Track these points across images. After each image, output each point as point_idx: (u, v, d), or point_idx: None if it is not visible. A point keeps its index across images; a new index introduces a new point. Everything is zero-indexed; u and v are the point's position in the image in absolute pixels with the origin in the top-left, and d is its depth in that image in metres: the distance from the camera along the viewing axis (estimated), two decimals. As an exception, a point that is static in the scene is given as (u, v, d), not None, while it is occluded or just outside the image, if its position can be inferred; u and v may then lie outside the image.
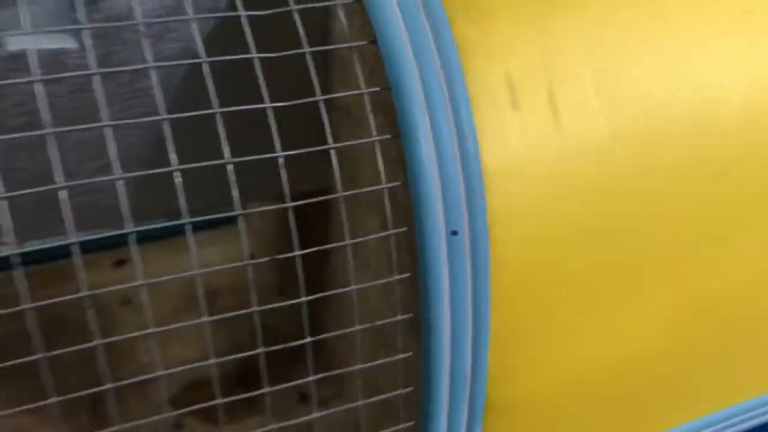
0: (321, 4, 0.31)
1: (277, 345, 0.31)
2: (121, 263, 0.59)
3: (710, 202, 0.36)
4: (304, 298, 0.31)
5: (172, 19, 0.32)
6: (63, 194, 0.26)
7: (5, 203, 0.26)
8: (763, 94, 0.36)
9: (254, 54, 0.28)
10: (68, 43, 0.34)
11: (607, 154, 0.32)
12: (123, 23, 0.30)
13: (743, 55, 0.36)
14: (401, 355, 0.34)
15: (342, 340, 0.34)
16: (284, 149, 0.29)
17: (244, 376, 0.37)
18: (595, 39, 0.33)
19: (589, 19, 0.33)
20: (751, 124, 0.36)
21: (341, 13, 0.31)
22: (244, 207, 0.29)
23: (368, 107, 0.30)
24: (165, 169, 0.27)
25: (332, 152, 0.30)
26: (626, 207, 0.33)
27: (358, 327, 0.32)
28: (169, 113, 0.27)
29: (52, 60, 0.34)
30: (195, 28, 0.27)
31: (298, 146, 0.29)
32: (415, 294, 0.32)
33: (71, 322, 0.30)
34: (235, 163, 0.28)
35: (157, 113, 0.27)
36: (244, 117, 0.28)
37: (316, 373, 0.33)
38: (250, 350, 0.32)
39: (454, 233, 0.30)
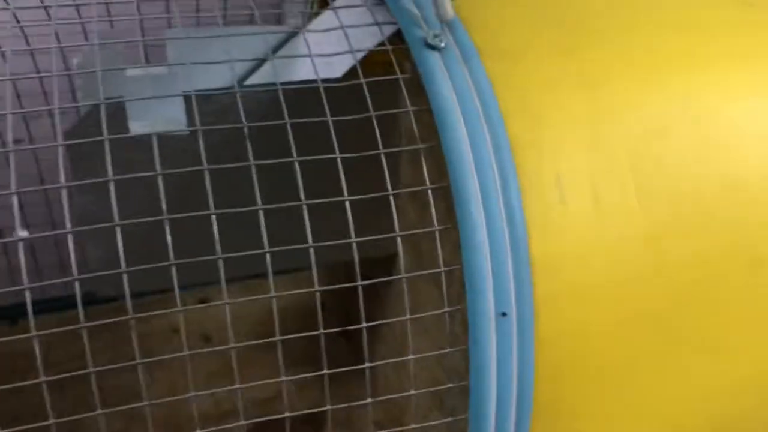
0: (394, 111, 0.36)
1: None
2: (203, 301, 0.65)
3: (747, 292, 0.38)
4: (367, 365, 0.35)
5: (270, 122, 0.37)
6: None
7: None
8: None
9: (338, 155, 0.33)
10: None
11: (644, 248, 0.36)
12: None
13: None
14: (451, 418, 0.37)
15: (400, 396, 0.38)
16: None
17: (311, 419, 0.42)
18: (636, 142, 0.36)
19: (629, 123, 0.36)
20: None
21: (412, 115, 0.36)
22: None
23: (431, 198, 0.35)
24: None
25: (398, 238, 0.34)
26: (662, 295, 0.36)
27: (413, 392, 0.36)
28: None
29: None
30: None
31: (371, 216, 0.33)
32: (467, 362, 0.36)
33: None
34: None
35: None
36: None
37: (375, 424, 0.37)
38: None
39: (503, 314, 0.34)
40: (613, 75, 0.37)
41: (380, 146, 0.34)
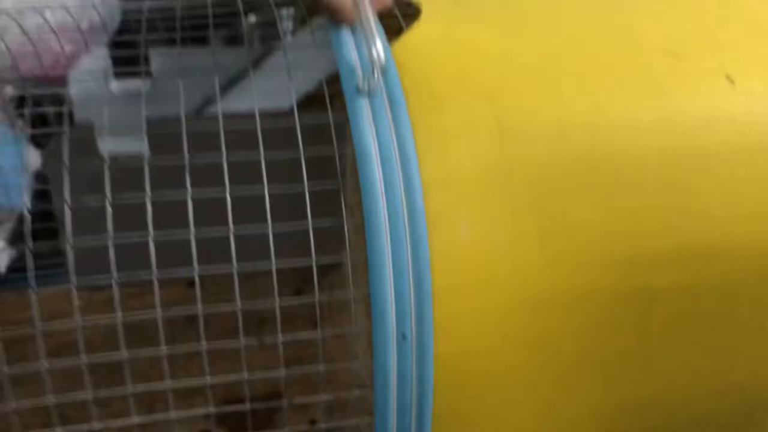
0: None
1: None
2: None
3: (637, 327, 0.42)
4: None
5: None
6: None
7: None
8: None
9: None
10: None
11: (540, 282, 0.40)
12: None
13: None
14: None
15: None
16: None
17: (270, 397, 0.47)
18: (542, 188, 0.40)
19: (535, 172, 0.40)
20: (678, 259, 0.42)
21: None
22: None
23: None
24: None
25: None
26: (553, 324, 0.41)
27: (323, 396, 0.41)
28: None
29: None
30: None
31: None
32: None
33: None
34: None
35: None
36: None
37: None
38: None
39: (404, 336, 0.38)
40: (528, 123, 0.41)
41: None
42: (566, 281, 0.40)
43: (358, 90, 0.40)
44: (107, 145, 0.44)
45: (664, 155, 0.42)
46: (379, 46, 0.40)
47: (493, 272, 0.40)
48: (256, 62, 0.51)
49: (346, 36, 0.42)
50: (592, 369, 0.43)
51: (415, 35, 0.44)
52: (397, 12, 0.46)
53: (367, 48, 0.40)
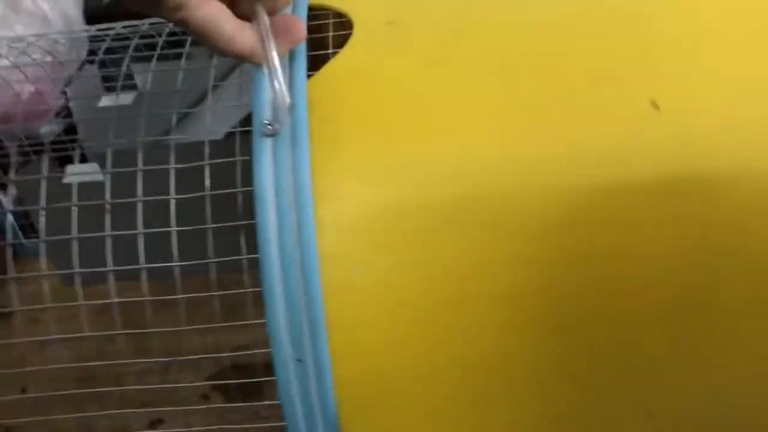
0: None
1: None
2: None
3: (546, 355, 0.43)
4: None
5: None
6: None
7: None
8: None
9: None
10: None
11: (425, 317, 0.42)
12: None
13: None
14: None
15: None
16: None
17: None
18: (429, 227, 0.42)
19: (419, 217, 0.41)
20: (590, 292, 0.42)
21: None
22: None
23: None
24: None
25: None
26: (443, 356, 0.43)
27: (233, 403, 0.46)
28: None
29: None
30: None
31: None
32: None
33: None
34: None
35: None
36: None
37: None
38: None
39: (299, 360, 0.42)
40: (427, 166, 0.42)
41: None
42: (455, 321, 0.42)
43: (263, 130, 0.43)
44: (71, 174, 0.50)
45: (575, 193, 0.42)
46: (283, 89, 0.42)
47: (380, 305, 0.42)
48: (226, 75, 0.54)
49: (261, 75, 0.44)
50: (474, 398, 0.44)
51: (335, 66, 0.46)
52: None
53: (271, 89, 0.42)
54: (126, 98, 0.56)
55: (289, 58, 0.46)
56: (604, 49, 0.45)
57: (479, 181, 0.42)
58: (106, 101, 0.57)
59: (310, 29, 0.49)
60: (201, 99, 0.57)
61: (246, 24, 0.42)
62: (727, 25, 0.45)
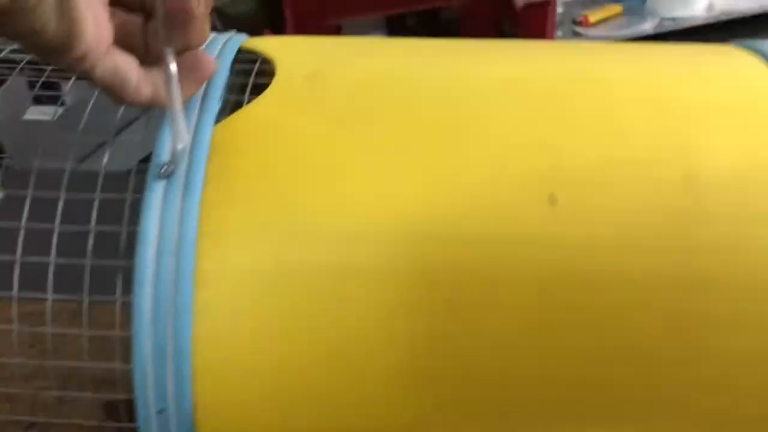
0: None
1: None
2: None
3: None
4: None
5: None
6: None
7: None
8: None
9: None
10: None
11: (297, 378, 0.41)
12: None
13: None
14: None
15: None
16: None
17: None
18: (304, 284, 0.41)
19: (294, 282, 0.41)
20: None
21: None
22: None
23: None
24: None
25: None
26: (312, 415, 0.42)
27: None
28: None
29: None
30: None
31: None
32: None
33: None
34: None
35: None
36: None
37: None
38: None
39: (162, 410, 0.41)
40: (312, 228, 0.42)
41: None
42: (325, 384, 0.42)
43: (158, 172, 0.42)
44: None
45: (456, 275, 0.42)
46: (182, 133, 0.42)
47: (253, 362, 0.41)
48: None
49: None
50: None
51: (245, 115, 0.45)
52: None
53: (172, 134, 0.42)
54: (50, 111, 0.56)
55: (201, 100, 0.46)
56: (515, 125, 0.45)
57: (356, 248, 0.41)
58: (31, 113, 0.56)
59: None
60: (129, 124, 0.56)
61: (152, 69, 0.41)
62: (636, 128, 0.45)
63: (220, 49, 0.50)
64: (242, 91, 0.51)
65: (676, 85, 0.47)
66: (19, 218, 0.45)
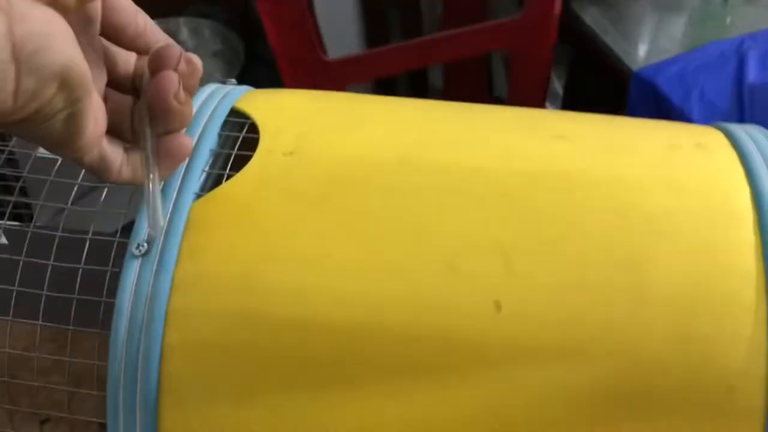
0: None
1: None
2: None
3: None
4: None
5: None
6: None
7: None
8: None
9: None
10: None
11: None
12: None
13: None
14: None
15: None
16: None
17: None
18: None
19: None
20: None
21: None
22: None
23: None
24: None
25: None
26: None
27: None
28: None
29: None
30: None
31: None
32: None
33: None
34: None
35: None
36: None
37: None
38: None
39: None
40: (258, 317, 0.45)
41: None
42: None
43: (133, 251, 0.46)
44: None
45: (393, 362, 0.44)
46: (158, 214, 0.45)
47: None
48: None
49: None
50: None
51: (222, 193, 0.48)
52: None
53: (149, 214, 0.45)
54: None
55: (183, 176, 0.49)
56: (472, 224, 0.46)
57: (309, 337, 0.45)
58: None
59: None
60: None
61: (134, 149, 0.44)
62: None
63: (210, 113, 0.53)
64: (233, 145, 0.54)
65: (642, 193, 0.48)
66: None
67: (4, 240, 0.60)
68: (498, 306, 0.44)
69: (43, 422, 0.71)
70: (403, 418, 0.45)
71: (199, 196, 0.49)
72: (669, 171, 0.49)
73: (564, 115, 0.59)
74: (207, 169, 0.50)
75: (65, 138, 0.40)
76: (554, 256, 0.46)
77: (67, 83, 0.37)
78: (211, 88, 0.57)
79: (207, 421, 0.46)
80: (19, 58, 0.35)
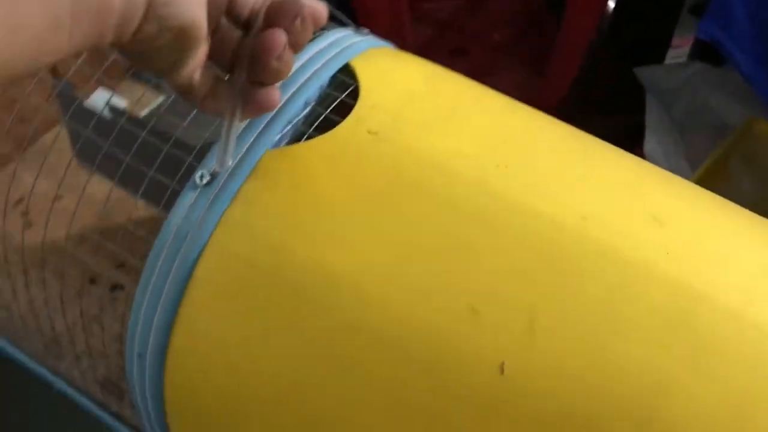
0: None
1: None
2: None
3: None
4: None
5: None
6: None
7: None
8: None
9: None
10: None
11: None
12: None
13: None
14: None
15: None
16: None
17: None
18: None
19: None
20: None
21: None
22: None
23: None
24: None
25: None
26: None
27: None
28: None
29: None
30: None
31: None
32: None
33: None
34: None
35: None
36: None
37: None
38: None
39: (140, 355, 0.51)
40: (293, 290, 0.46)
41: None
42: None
43: (197, 178, 0.48)
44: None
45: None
46: (227, 156, 0.46)
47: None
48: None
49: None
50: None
51: (300, 153, 0.48)
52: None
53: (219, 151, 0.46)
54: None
55: (266, 125, 0.49)
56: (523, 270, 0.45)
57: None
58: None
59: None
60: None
61: (224, 82, 0.45)
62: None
63: (321, 66, 0.52)
64: (330, 104, 0.53)
65: (705, 305, 0.43)
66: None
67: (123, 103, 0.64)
68: (501, 369, 0.43)
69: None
70: None
71: (277, 146, 0.49)
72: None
73: (672, 182, 0.53)
74: (294, 121, 0.50)
75: (162, 69, 0.41)
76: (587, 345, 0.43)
77: (182, 37, 0.38)
78: (336, 35, 0.56)
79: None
80: (152, 2, 0.36)
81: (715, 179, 0.93)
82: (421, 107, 0.52)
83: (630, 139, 1.02)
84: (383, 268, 0.45)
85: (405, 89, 0.53)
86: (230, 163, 0.48)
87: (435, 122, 0.51)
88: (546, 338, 0.43)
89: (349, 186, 0.47)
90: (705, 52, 1.07)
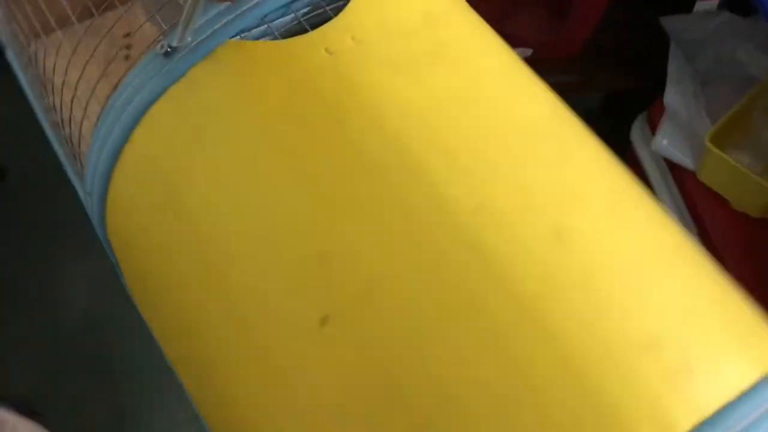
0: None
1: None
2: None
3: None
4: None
5: None
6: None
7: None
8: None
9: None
10: None
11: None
12: None
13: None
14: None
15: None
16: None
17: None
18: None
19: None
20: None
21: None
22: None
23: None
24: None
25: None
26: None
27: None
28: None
29: None
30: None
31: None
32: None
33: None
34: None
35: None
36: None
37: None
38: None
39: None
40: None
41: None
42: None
43: (158, 47, 0.49)
44: None
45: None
46: (186, 32, 0.47)
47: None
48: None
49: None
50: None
51: (256, 46, 0.48)
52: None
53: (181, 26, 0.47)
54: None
55: (238, 13, 0.49)
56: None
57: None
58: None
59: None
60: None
61: None
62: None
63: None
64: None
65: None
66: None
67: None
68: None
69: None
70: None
71: (244, 37, 0.49)
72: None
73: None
74: (268, 18, 0.49)
75: None
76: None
77: None
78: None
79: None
80: None
81: (734, 131, 0.90)
82: (398, 44, 0.48)
83: (651, 90, 1.00)
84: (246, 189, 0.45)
85: (394, 21, 0.49)
86: (189, 39, 0.48)
87: (401, 65, 0.47)
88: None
89: (283, 107, 0.46)
90: (734, 2, 1.01)
